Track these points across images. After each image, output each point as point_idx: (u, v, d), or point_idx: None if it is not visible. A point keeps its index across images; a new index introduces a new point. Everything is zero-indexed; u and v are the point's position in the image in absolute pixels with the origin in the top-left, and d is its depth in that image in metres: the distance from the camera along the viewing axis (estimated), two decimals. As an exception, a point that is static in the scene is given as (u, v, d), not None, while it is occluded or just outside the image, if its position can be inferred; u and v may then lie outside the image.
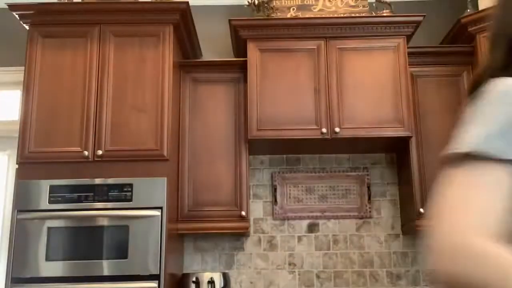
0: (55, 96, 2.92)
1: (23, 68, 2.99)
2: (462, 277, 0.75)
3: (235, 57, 3.56)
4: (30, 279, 2.67)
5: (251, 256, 3.38)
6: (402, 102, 3.09)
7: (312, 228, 3.42)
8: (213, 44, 3.68)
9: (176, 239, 3.08)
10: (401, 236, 3.40)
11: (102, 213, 2.75)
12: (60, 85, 2.94)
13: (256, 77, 3.15)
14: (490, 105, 0.89)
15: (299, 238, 3.41)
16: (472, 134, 0.87)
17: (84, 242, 2.73)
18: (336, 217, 3.42)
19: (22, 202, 2.76)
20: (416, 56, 3.26)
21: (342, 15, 3.30)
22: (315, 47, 3.20)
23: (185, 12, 3.08)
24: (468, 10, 3.31)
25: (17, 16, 3.05)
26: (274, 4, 3.36)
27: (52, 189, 2.77)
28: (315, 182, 3.47)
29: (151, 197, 2.77)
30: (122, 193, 2.77)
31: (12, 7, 3.03)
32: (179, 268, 3.23)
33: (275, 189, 3.46)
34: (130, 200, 2.76)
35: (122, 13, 3.03)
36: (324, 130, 3.06)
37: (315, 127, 3.08)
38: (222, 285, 3.03)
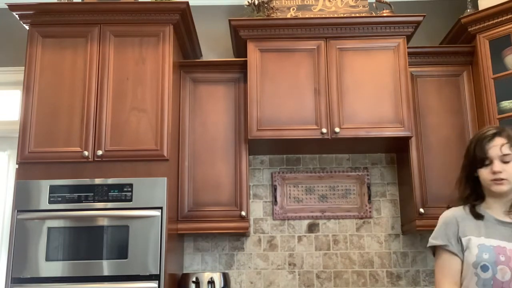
0: (55, 96, 2.92)
1: (23, 68, 2.99)
2: None
3: (235, 57, 3.56)
4: (30, 279, 2.67)
5: (251, 256, 3.38)
6: (402, 102, 3.09)
7: (312, 228, 3.42)
8: (213, 44, 3.68)
9: (176, 239, 3.08)
10: (401, 236, 3.40)
11: (102, 213, 2.75)
12: (60, 85, 2.94)
13: (256, 77, 3.15)
14: (438, 223, 1.93)
15: (299, 238, 3.41)
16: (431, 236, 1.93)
17: (84, 242, 2.73)
18: (336, 217, 3.43)
19: (22, 202, 2.76)
20: (416, 56, 3.26)
21: (342, 15, 3.30)
22: (315, 47, 3.20)
23: (185, 12, 3.08)
24: (468, 10, 3.31)
25: (17, 16, 3.05)
26: (274, 4, 3.36)
27: (52, 189, 2.77)
28: (315, 182, 3.47)
29: (151, 197, 2.77)
30: (122, 193, 2.77)
31: (12, 7, 3.03)
32: (179, 268, 3.23)
33: (275, 189, 3.46)
34: (130, 200, 2.76)
35: (122, 13, 3.03)
36: (324, 130, 3.06)
37: (315, 127, 3.08)
38: (222, 285, 3.03)
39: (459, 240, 1.85)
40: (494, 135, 1.85)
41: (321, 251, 3.38)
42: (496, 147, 1.83)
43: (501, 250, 1.76)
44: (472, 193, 1.91)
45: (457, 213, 1.90)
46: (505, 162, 1.82)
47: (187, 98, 3.25)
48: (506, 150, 1.83)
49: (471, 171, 1.89)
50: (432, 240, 1.91)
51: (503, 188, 1.82)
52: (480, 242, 1.80)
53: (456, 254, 1.84)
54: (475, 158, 1.86)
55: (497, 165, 1.81)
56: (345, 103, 3.11)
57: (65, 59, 2.98)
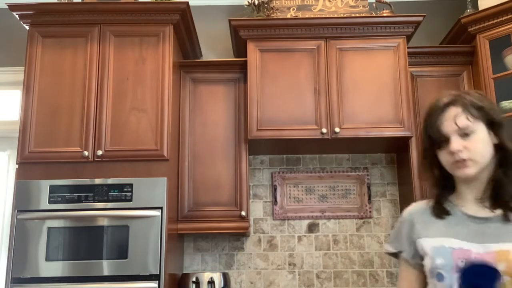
0: (55, 96, 2.92)
1: (23, 68, 2.99)
2: None
3: (235, 57, 3.56)
4: (30, 279, 2.67)
5: (251, 256, 3.38)
6: (402, 102, 3.09)
7: (312, 228, 3.42)
8: (213, 44, 3.68)
9: (176, 239, 3.08)
10: (401, 236, 3.39)
11: (102, 213, 2.75)
12: (60, 85, 2.94)
13: (256, 77, 3.15)
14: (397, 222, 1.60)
15: (299, 238, 3.41)
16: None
17: (84, 242, 2.73)
18: (336, 217, 3.43)
19: (22, 202, 2.76)
20: (416, 56, 3.26)
21: (342, 15, 3.30)
22: (315, 47, 3.20)
23: (185, 12, 3.08)
24: (468, 10, 3.31)
25: (17, 16, 3.05)
26: (274, 4, 3.36)
27: (52, 189, 2.77)
28: (315, 182, 3.47)
29: (151, 197, 2.77)
30: (122, 193, 2.77)
31: (12, 7, 3.03)
32: (179, 268, 3.23)
33: (275, 189, 3.46)
34: (130, 200, 2.76)
35: (122, 13, 3.03)
36: (324, 130, 3.06)
37: (315, 127, 3.08)
38: (222, 285, 3.03)
39: (412, 244, 1.48)
40: (446, 106, 1.43)
41: (321, 251, 3.38)
42: (450, 120, 1.41)
43: (462, 254, 1.35)
44: (442, 182, 1.50)
45: (416, 209, 1.54)
46: (465, 136, 1.39)
47: (187, 98, 3.25)
48: (463, 121, 1.39)
49: (434, 155, 1.48)
50: (385, 245, 1.59)
51: (468, 171, 1.39)
52: (435, 244, 1.40)
53: (409, 263, 1.50)
54: (430, 139, 1.46)
55: (455, 143, 1.39)
56: (345, 103, 3.11)
57: (65, 59, 2.98)
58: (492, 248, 1.33)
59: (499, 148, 1.41)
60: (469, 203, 1.44)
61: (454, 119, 1.40)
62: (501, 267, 1.29)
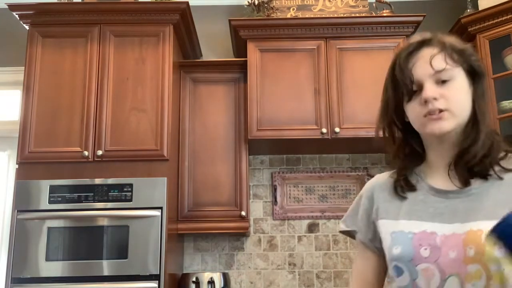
0: (55, 96, 2.92)
1: (23, 68, 2.99)
2: None
3: (235, 57, 3.56)
4: (30, 279, 2.67)
5: (251, 256, 3.38)
6: (402, 102, 3.09)
7: (312, 228, 3.42)
8: (213, 44, 3.68)
9: (176, 239, 3.08)
10: (401, 236, 3.39)
11: (102, 213, 2.75)
12: (60, 85, 2.94)
13: (256, 77, 3.15)
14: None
15: (299, 238, 3.41)
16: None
17: (84, 242, 2.73)
18: (336, 217, 3.42)
19: (22, 202, 2.76)
20: (416, 56, 3.25)
21: (342, 15, 3.30)
22: (315, 47, 3.20)
23: (185, 12, 3.08)
24: (468, 10, 3.31)
25: (17, 16, 3.05)
26: (274, 4, 3.36)
27: (52, 189, 2.77)
28: (315, 182, 3.47)
29: (151, 197, 2.77)
30: (122, 193, 2.77)
31: (12, 7, 3.03)
32: (179, 268, 3.23)
33: (275, 189, 3.46)
34: (130, 200, 2.76)
35: (122, 13, 3.03)
36: (324, 130, 3.06)
37: (315, 127, 3.08)
38: (222, 285, 3.03)
39: (371, 226, 1.22)
40: (420, 45, 1.15)
41: (321, 251, 3.38)
42: (424, 61, 1.12)
43: (425, 238, 1.08)
44: (407, 150, 1.22)
45: (378, 183, 1.26)
46: (442, 83, 1.11)
47: (187, 98, 3.25)
48: (440, 63, 1.11)
49: (398, 114, 1.19)
50: (341, 224, 1.33)
51: (444, 125, 1.10)
52: (394, 229, 1.14)
53: (366, 245, 1.23)
54: (397, 86, 1.15)
55: (430, 89, 1.10)
56: (345, 103, 3.11)
57: (65, 59, 2.98)
58: (462, 228, 1.05)
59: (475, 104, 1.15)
60: (439, 173, 1.16)
61: (429, 61, 1.11)
62: (470, 252, 1.01)
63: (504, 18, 3.05)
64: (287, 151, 3.47)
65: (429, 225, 1.09)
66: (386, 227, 1.16)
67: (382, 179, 1.26)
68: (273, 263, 3.37)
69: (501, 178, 1.09)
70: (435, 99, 1.09)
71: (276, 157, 3.52)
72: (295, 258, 3.38)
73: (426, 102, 1.10)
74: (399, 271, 1.10)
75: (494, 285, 1.00)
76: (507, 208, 0.99)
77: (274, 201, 3.44)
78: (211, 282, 3.00)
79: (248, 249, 3.39)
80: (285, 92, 3.13)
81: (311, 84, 3.15)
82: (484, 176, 1.10)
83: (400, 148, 1.22)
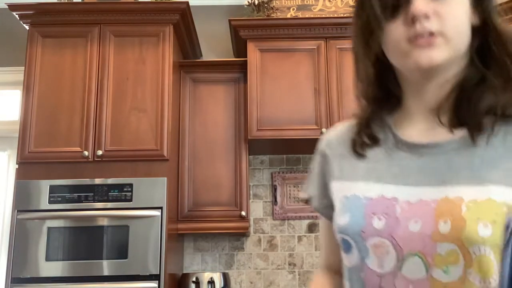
0: (55, 96, 2.92)
1: (23, 68, 2.99)
2: None
3: (235, 57, 3.56)
4: (30, 279, 2.67)
5: (251, 256, 3.38)
6: (402, 102, 3.09)
7: (312, 228, 3.42)
8: (213, 44, 3.68)
9: (176, 239, 3.08)
10: (401, 236, 3.39)
11: (102, 213, 2.75)
12: (60, 85, 2.94)
13: (256, 77, 3.15)
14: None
15: (299, 238, 3.41)
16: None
17: (84, 242, 2.73)
18: (336, 217, 3.42)
19: (22, 202, 2.76)
20: (416, 56, 3.25)
21: (342, 15, 3.30)
22: (315, 47, 3.20)
23: (185, 12, 3.08)
24: (468, 10, 3.31)
25: (17, 16, 3.05)
26: (274, 4, 3.36)
27: (52, 189, 2.77)
28: (315, 182, 3.47)
29: (151, 197, 2.77)
30: (122, 193, 2.77)
31: (12, 7, 3.03)
32: (179, 268, 3.23)
33: (275, 189, 3.46)
34: (130, 200, 2.76)
35: (122, 13, 3.03)
36: (324, 130, 3.06)
37: (315, 127, 3.08)
38: (222, 285, 3.03)
39: (326, 188, 0.96)
40: None
41: (321, 251, 3.38)
42: None
43: (381, 205, 0.82)
44: (379, 91, 0.92)
45: (336, 135, 0.99)
46: None
47: (187, 98, 3.25)
48: None
49: (374, 43, 0.85)
50: (301, 192, 1.11)
51: (436, 54, 0.80)
52: (347, 192, 0.88)
53: (323, 214, 1.00)
54: (373, 5, 0.84)
55: (421, 2, 0.80)
56: (345, 103, 3.11)
57: (65, 59, 2.98)
58: (435, 193, 0.79)
59: (478, 32, 0.89)
60: (416, 124, 0.88)
61: None
62: (444, 227, 0.75)
63: (504, 18, 3.05)
64: (287, 151, 3.47)
65: (390, 188, 0.83)
66: (338, 190, 0.91)
67: (341, 131, 0.98)
68: (273, 263, 3.37)
69: (493, 129, 0.81)
70: (426, 16, 0.79)
71: (276, 157, 3.52)
72: (295, 258, 3.38)
73: (413, 20, 0.80)
74: (347, 247, 0.85)
75: (473, 275, 0.74)
76: (499, 170, 0.77)
77: (274, 201, 3.44)
78: (211, 282, 3.00)
79: (248, 249, 3.39)
80: (285, 92, 3.13)
81: (311, 84, 3.15)
82: (477, 124, 0.82)
83: (369, 88, 0.91)
